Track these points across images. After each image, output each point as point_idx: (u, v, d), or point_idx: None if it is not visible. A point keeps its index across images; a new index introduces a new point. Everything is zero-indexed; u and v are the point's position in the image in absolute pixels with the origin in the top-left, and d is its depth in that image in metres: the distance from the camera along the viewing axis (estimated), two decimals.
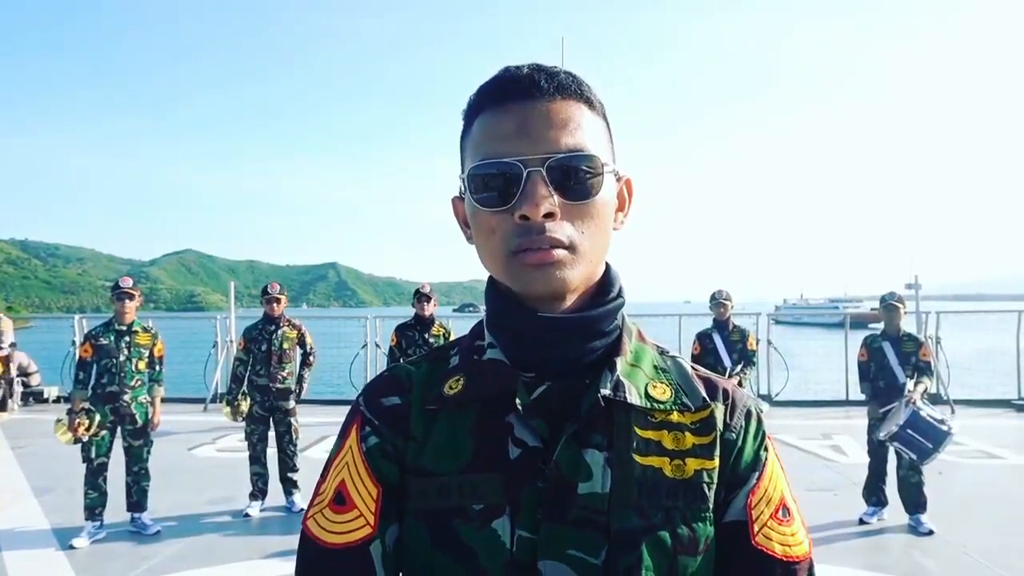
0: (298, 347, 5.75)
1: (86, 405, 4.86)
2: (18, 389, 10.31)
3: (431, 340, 5.69)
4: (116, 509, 5.00)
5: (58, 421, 4.93)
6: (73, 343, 11.55)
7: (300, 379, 5.75)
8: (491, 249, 0.71)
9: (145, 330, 5.17)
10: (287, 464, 5.57)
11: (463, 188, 0.75)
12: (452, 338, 5.66)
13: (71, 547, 4.67)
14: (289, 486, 5.56)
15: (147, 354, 5.10)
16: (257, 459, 5.52)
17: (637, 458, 0.71)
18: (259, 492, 5.49)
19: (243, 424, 5.68)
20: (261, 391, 5.54)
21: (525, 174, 0.67)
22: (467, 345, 0.80)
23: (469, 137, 0.74)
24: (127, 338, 5.03)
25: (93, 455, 4.87)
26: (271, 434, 5.67)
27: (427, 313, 5.79)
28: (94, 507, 4.86)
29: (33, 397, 10.85)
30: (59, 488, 6.12)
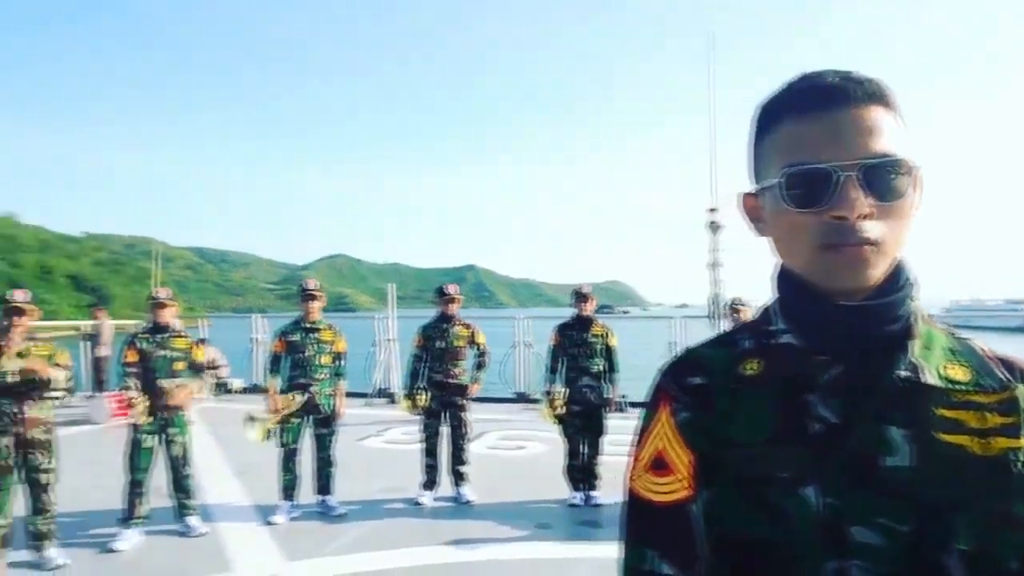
0: (469, 346, 5.97)
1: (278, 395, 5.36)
2: (210, 380, 11.48)
3: (591, 339, 5.74)
4: (306, 492, 5.48)
5: (250, 420, 5.41)
6: (251, 340, 12.73)
7: (475, 379, 5.98)
8: (796, 244, 0.79)
9: (328, 327, 5.60)
10: (458, 457, 5.82)
11: (758, 186, 0.83)
12: (614, 338, 5.75)
13: (270, 523, 5.16)
14: (459, 478, 5.81)
15: (330, 350, 5.53)
16: (430, 451, 5.82)
17: (940, 435, 0.75)
18: (431, 482, 5.79)
19: (409, 417, 6.00)
20: (437, 386, 5.82)
21: (840, 177, 0.74)
22: (758, 330, 0.87)
23: (769, 141, 0.81)
24: (313, 335, 5.48)
25: (286, 441, 5.35)
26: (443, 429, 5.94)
27: (587, 312, 5.84)
28: (288, 488, 5.34)
29: (222, 388, 12.03)
30: (255, 470, 6.77)
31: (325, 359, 5.48)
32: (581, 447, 5.71)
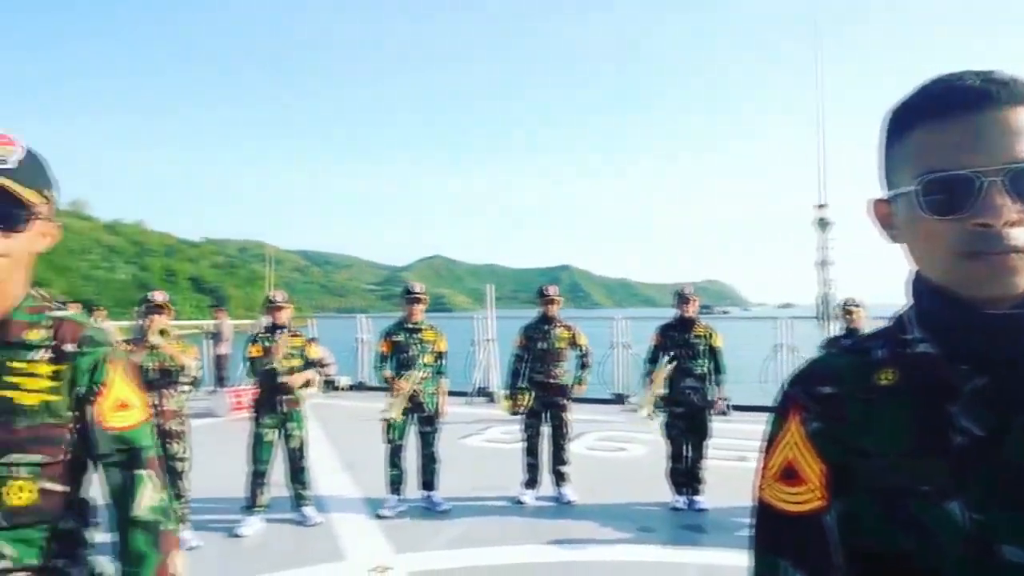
0: (570, 347, 6.00)
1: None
2: (319, 378, 12.06)
3: (694, 340, 5.64)
4: (412, 486, 5.67)
5: (389, 405, 5.58)
6: (356, 339, 13.26)
7: (580, 379, 6.01)
8: (934, 252, 0.76)
9: (430, 328, 5.77)
10: (559, 457, 5.86)
11: (891, 193, 0.82)
12: (718, 339, 5.63)
13: (379, 515, 5.38)
14: (560, 478, 5.85)
15: (432, 349, 5.70)
16: (531, 450, 5.89)
17: None
18: (532, 481, 5.85)
19: (511, 417, 6.09)
20: (538, 387, 5.88)
21: (984, 184, 0.71)
22: (892, 339, 0.85)
23: (902, 147, 0.79)
24: (416, 335, 5.67)
25: (392, 438, 5.56)
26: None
27: (690, 313, 5.74)
28: (395, 482, 5.55)
29: (330, 385, 12.60)
30: (362, 464, 7.06)
31: (428, 358, 5.65)
32: (684, 450, 5.62)
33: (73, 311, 1.32)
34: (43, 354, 1.22)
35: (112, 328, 11.19)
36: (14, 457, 1.16)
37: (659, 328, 5.85)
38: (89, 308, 11.65)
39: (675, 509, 5.50)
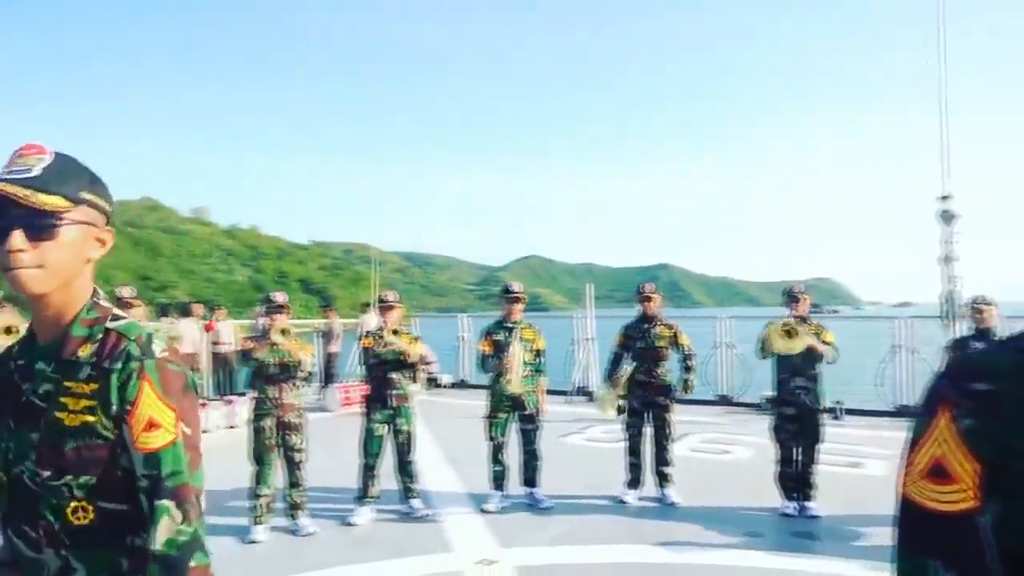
0: (671, 347, 5.91)
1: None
2: (423, 375, 12.41)
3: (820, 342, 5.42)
4: (514, 483, 5.76)
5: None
6: (458, 338, 13.55)
7: (686, 381, 5.92)
8: None
9: (529, 326, 5.83)
10: (662, 458, 5.79)
11: None
12: (829, 335, 5.37)
13: (483, 510, 5.49)
14: (663, 479, 5.77)
15: (531, 347, 5.76)
16: (634, 450, 5.84)
17: None
18: (635, 481, 5.81)
19: (611, 416, 6.05)
20: (639, 386, 5.83)
21: None
22: None
23: None
24: (516, 334, 5.74)
25: (495, 435, 5.66)
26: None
27: (800, 312, 5.53)
28: (498, 479, 5.65)
29: (432, 383, 12.95)
30: (464, 459, 7.23)
31: (527, 356, 5.71)
32: (794, 453, 5.41)
33: (129, 320, 1.26)
34: (87, 371, 1.19)
35: (232, 327, 11.95)
36: (68, 479, 1.17)
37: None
38: (211, 308, 12.46)
39: (785, 515, 5.31)
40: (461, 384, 13.30)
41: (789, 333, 5.17)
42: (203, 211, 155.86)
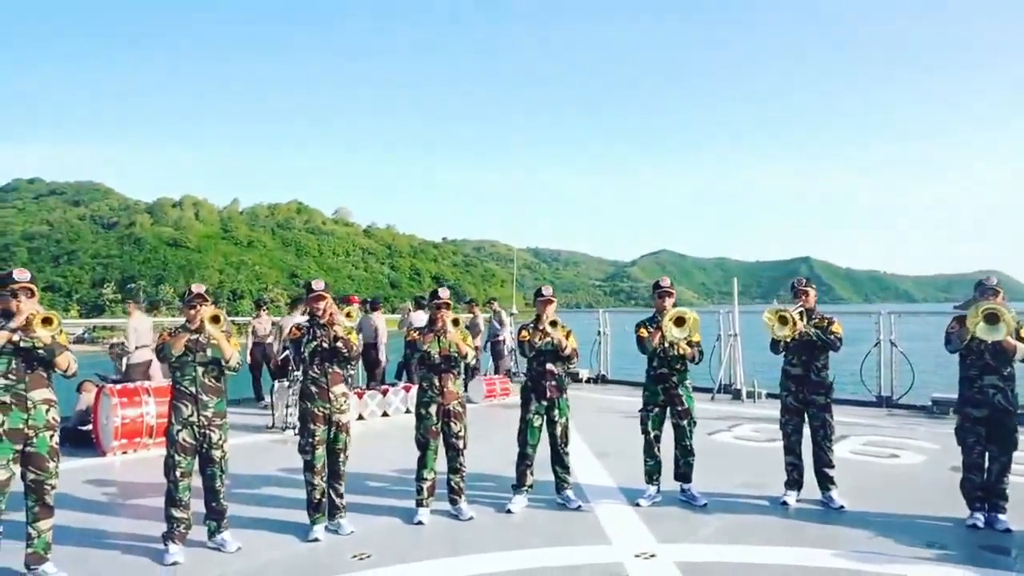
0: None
1: None
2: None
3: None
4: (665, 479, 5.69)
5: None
6: (598, 332, 13.53)
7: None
8: None
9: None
10: (823, 459, 5.49)
11: None
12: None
13: (636, 504, 5.46)
14: (825, 481, 5.49)
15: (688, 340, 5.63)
16: (792, 450, 5.60)
17: None
18: (794, 482, 5.57)
19: (758, 413, 5.83)
20: (796, 382, 5.58)
21: None
22: None
23: None
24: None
25: (649, 429, 5.61)
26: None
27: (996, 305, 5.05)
28: (652, 473, 5.60)
29: (572, 377, 13.01)
30: (612, 453, 7.23)
31: (682, 348, 5.60)
32: (984, 460, 4.96)
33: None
34: None
35: (382, 319, 12.56)
36: None
37: (957, 318, 5.07)
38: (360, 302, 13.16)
39: (972, 527, 4.88)
40: (601, 379, 13.29)
41: (989, 319, 4.65)
42: (344, 212, 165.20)
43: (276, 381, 9.34)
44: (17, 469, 3.95)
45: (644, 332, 5.60)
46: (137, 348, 8.77)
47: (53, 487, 4.06)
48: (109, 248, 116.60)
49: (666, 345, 5.53)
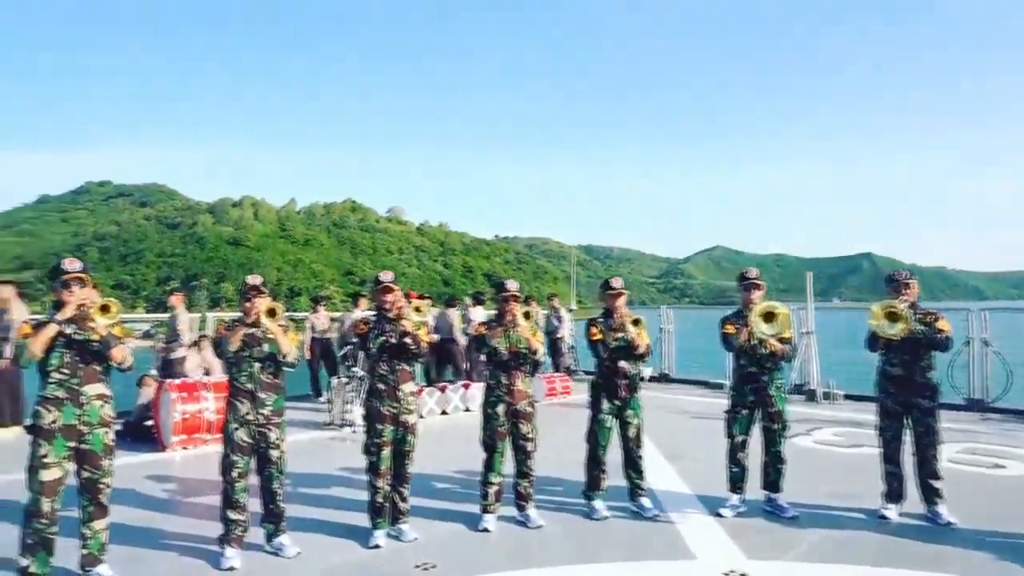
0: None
1: None
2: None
3: None
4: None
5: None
6: (660, 330, 13.02)
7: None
8: None
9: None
10: (928, 469, 4.95)
11: None
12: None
13: (718, 514, 5.03)
14: (931, 494, 4.95)
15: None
16: (891, 458, 5.08)
17: None
18: (895, 494, 5.05)
19: (837, 416, 5.32)
20: (896, 383, 5.07)
21: None
22: None
23: None
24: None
25: (734, 432, 5.17)
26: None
27: None
28: (736, 481, 5.16)
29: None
30: (685, 457, 6.79)
31: (772, 345, 5.15)
32: None
33: None
34: None
35: (457, 315, 12.30)
36: None
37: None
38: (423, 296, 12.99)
39: None
40: (663, 378, 12.79)
41: None
42: (398, 211, 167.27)
43: (334, 377, 9.20)
44: (71, 467, 3.79)
45: (730, 328, 5.15)
46: (179, 343, 8.71)
47: (108, 486, 3.89)
48: (173, 247, 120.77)
49: (754, 342, 5.07)
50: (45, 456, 3.68)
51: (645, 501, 5.11)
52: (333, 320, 10.81)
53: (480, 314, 11.04)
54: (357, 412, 8.34)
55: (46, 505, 3.67)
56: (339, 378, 8.82)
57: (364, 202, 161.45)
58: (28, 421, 4.54)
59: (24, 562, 3.67)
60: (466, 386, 9.85)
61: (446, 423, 9.08)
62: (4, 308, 7.91)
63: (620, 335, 5.08)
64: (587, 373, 13.31)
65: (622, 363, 5.09)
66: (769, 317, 4.97)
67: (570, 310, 14.11)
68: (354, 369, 8.67)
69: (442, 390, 9.61)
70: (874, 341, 5.10)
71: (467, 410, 9.69)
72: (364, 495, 4.70)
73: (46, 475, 3.67)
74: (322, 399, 10.04)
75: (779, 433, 5.13)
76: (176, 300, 9.35)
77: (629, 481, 5.18)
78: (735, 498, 5.13)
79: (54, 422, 3.71)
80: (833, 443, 7.56)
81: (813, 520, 4.96)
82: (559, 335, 12.73)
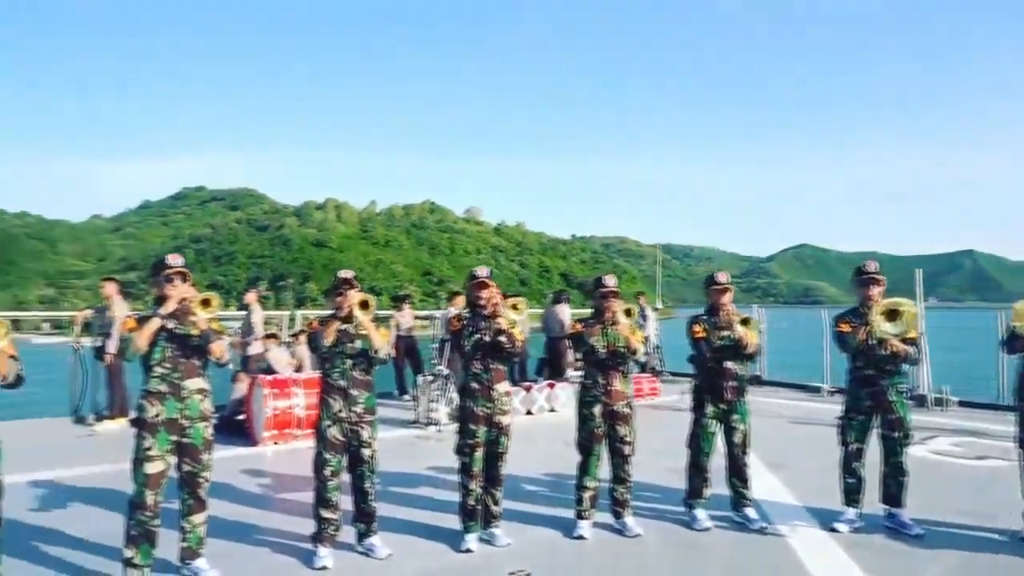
0: None
1: None
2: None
3: None
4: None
5: None
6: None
7: None
8: None
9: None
10: None
11: None
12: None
13: (832, 529, 4.63)
14: None
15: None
16: None
17: None
18: None
19: (956, 424, 4.79)
20: None
21: None
22: None
23: None
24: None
25: (849, 439, 4.76)
26: None
27: None
28: (852, 493, 4.74)
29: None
30: (788, 465, 6.36)
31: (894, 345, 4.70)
32: None
33: None
34: None
35: (567, 311, 12.14)
36: None
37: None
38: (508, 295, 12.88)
39: None
40: (756, 381, 12.18)
41: None
42: (475, 211, 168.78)
43: (419, 375, 9.17)
44: (173, 460, 3.81)
45: (845, 327, 4.74)
46: (255, 339, 8.84)
47: (207, 480, 3.89)
48: (262, 249, 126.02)
49: (872, 342, 4.64)
50: (149, 449, 3.70)
51: (751, 512, 4.77)
52: (417, 318, 10.82)
53: (566, 312, 10.83)
54: (442, 411, 8.27)
55: (150, 497, 3.69)
56: (424, 376, 8.78)
57: (442, 203, 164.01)
58: (133, 414, 4.62)
59: (128, 553, 3.70)
60: (551, 386, 9.65)
61: (532, 423, 8.89)
62: (106, 305, 8.25)
63: (725, 333, 4.76)
64: (672, 374, 12.88)
65: (728, 363, 4.76)
66: (892, 315, 4.54)
67: (655, 309, 13.70)
68: (439, 367, 8.61)
69: (527, 389, 9.44)
70: (1013, 341, 4.58)
71: (552, 410, 9.49)
72: (453, 496, 4.56)
73: (150, 468, 3.70)
74: (406, 397, 10.05)
75: (900, 442, 4.68)
76: (251, 297, 9.51)
77: (733, 490, 4.84)
78: (851, 512, 4.72)
79: (157, 415, 3.73)
80: (954, 454, 6.94)
81: (944, 540, 4.50)
82: (645, 334, 12.35)
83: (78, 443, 7.55)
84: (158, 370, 3.78)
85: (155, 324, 3.73)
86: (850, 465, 4.75)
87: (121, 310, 7.89)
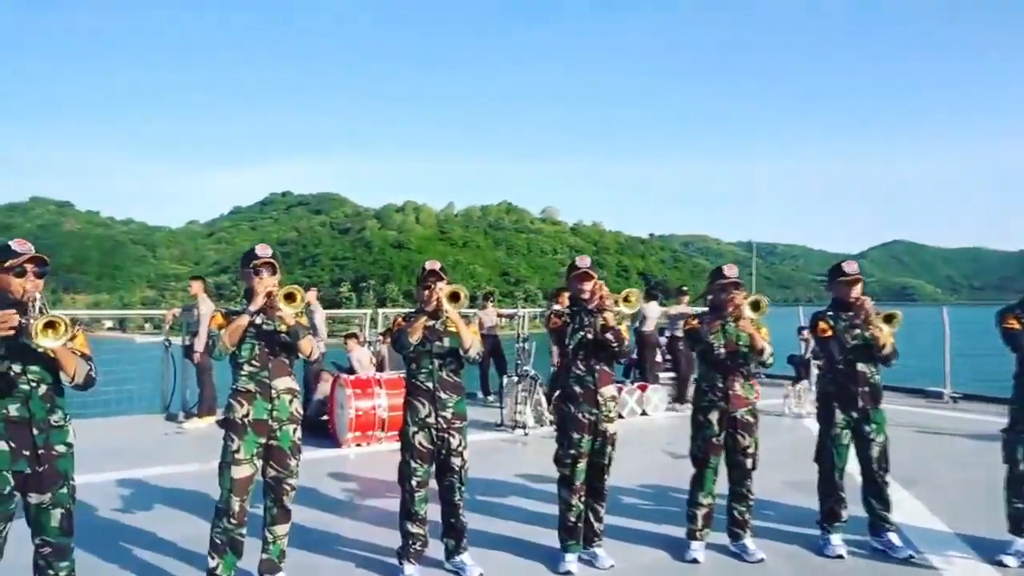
0: None
1: None
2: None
3: None
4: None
5: None
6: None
7: None
8: None
9: None
10: None
11: None
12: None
13: (998, 562, 3.94)
14: None
15: None
16: None
17: None
18: None
19: None
20: None
21: None
22: None
23: None
24: None
25: (1019, 458, 4.03)
26: None
27: None
28: (1020, 520, 4.02)
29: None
30: (925, 481, 5.62)
31: None
32: None
33: None
34: None
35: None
36: None
37: None
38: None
39: None
40: None
41: None
42: (552, 211, 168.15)
43: (505, 376, 8.80)
44: (260, 464, 3.53)
45: (1014, 323, 4.03)
46: (317, 338, 8.66)
47: (293, 488, 3.60)
48: (344, 251, 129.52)
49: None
50: (237, 451, 3.45)
51: (894, 538, 4.12)
52: (500, 315, 10.47)
53: (655, 310, 10.24)
54: (529, 414, 7.87)
55: (236, 504, 3.43)
56: (510, 377, 8.40)
57: (519, 203, 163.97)
58: (220, 414, 4.39)
59: (212, 563, 3.46)
60: (642, 388, 9.10)
61: (624, 428, 8.34)
62: (194, 304, 8.25)
63: (857, 332, 4.13)
64: (768, 376, 12.03)
65: (860, 366, 4.14)
66: None
67: None
68: (525, 368, 8.21)
69: (642, 389, 8.98)
70: None
71: (643, 414, 8.95)
72: (544, 507, 4.15)
73: (237, 472, 3.44)
74: (490, 398, 9.71)
75: None
76: (312, 296, 9.38)
77: (870, 512, 4.20)
78: (1020, 542, 4.00)
79: (246, 416, 3.46)
80: None
81: None
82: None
83: (166, 441, 7.54)
84: (247, 368, 3.51)
85: (243, 321, 3.45)
86: (1019, 488, 4.03)
87: (208, 308, 7.86)
